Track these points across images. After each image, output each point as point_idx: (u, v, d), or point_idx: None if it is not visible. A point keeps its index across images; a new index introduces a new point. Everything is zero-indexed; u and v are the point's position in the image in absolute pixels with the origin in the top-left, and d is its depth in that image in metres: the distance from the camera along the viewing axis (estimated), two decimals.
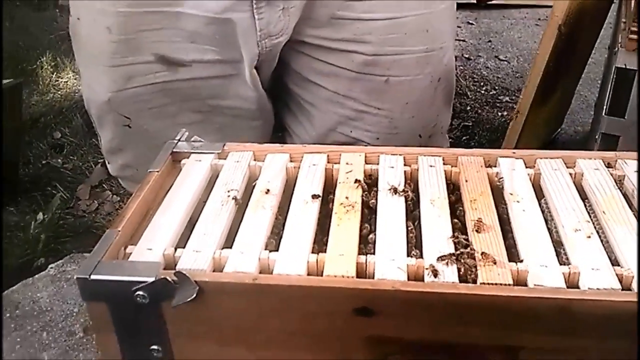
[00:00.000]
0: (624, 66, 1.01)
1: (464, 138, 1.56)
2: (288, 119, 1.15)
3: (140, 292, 0.60)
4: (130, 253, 0.65)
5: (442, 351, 0.60)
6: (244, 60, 0.97)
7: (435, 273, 0.58)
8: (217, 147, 0.83)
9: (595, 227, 0.65)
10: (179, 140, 0.85)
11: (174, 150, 0.83)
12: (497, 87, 1.91)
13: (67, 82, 2.49)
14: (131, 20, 0.93)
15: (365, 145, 1.05)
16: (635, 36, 0.99)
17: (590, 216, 0.67)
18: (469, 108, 1.77)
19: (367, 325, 0.58)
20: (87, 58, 1.02)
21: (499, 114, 1.74)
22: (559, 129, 1.60)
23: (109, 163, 1.15)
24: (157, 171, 0.78)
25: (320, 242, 0.67)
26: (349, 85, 1.04)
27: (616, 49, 1.07)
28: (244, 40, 0.94)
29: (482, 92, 1.88)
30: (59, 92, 2.39)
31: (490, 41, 2.79)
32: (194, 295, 0.58)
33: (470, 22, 3.07)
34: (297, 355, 0.62)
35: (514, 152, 0.78)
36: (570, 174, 0.74)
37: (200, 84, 0.99)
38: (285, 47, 0.99)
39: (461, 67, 2.03)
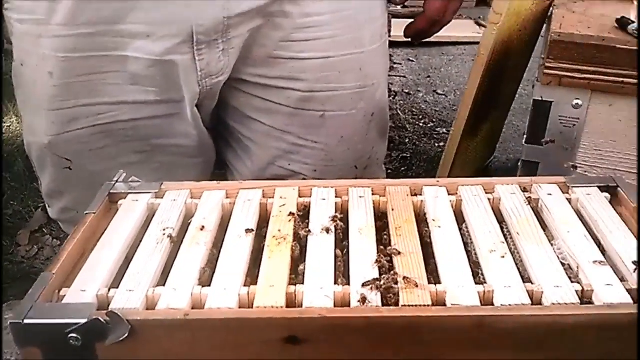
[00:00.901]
0: (540, 98, 1.09)
1: (403, 169, 1.62)
2: (229, 155, 1.18)
3: (73, 334, 0.60)
4: (64, 295, 0.66)
5: None
6: (186, 100, 1.00)
7: (363, 300, 0.61)
8: (155, 187, 0.84)
9: (510, 248, 0.70)
10: (116, 181, 0.86)
11: (111, 191, 0.84)
12: (434, 120, 1.99)
13: (9, 126, 2.46)
14: (73, 65, 0.95)
15: (304, 178, 1.09)
16: (549, 71, 1.07)
17: (506, 238, 0.71)
18: (407, 140, 1.84)
19: (297, 354, 0.60)
20: (29, 102, 1.04)
21: (436, 145, 1.81)
22: (492, 157, 1.68)
23: (49, 206, 1.15)
24: (94, 213, 0.79)
25: (253, 275, 0.69)
26: (286, 121, 1.07)
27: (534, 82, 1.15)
28: (186, 81, 0.97)
29: (421, 124, 1.96)
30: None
31: (429, 77, 2.89)
32: (127, 334, 0.59)
33: (411, 59, 3.18)
34: None
35: (437, 181, 0.82)
36: (489, 199, 0.78)
37: (142, 124, 1.01)
38: (225, 85, 1.02)
39: (401, 102, 2.11)
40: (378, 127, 1.17)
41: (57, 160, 1.03)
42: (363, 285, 0.63)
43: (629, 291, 0.61)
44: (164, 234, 0.75)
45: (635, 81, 1.03)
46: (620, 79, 1.05)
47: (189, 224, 0.77)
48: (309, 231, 0.74)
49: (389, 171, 1.40)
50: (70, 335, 0.60)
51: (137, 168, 0.92)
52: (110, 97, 0.98)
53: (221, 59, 0.97)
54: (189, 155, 1.08)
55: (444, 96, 2.33)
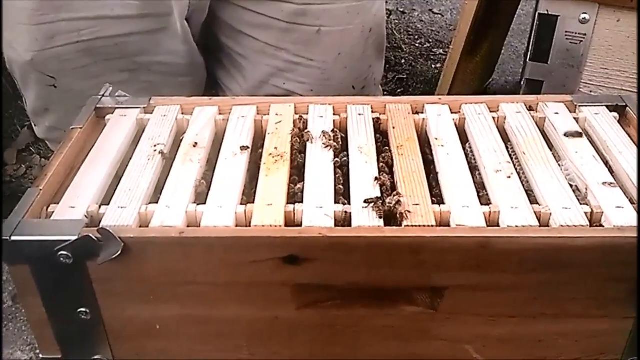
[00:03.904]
0: (546, 12, 1.03)
1: (399, 90, 1.57)
2: (221, 73, 1.14)
3: (64, 252, 0.58)
4: (53, 212, 0.63)
5: (371, 296, 0.61)
6: (174, 13, 0.95)
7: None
8: (143, 102, 0.81)
9: (515, 168, 0.67)
10: (102, 95, 0.82)
11: (98, 106, 0.80)
12: (431, 40, 1.92)
13: None
14: None
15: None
16: None
17: (511, 157, 0.69)
18: (403, 61, 1.78)
19: (295, 273, 0.58)
20: (9, 17, 0.99)
21: (433, 66, 1.76)
22: (491, 79, 1.63)
23: (35, 125, 1.13)
24: (80, 128, 0.76)
25: (250, 194, 0.66)
26: (280, 36, 1.03)
27: None
28: None
29: (417, 45, 1.89)
30: None
31: None
32: (119, 252, 0.57)
33: None
34: (228, 307, 0.62)
35: (440, 99, 0.79)
36: (494, 118, 0.75)
37: (125, 41, 0.97)
38: None
39: (396, 21, 2.03)
40: (375, 45, 1.13)
41: (40, 77, 1.00)
42: (365, 202, 0.60)
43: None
44: (155, 150, 0.71)
45: None
46: None
47: (181, 140, 0.74)
48: (306, 150, 0.71)
49: (385, 93, 1.37)
50: (60, 252, 0.58)
51: (122, 88, 0.89)
52: (91, 11, 0.93)
53: None
54: (178, 73, 1.04)
55: (440, 15, 2.24)
